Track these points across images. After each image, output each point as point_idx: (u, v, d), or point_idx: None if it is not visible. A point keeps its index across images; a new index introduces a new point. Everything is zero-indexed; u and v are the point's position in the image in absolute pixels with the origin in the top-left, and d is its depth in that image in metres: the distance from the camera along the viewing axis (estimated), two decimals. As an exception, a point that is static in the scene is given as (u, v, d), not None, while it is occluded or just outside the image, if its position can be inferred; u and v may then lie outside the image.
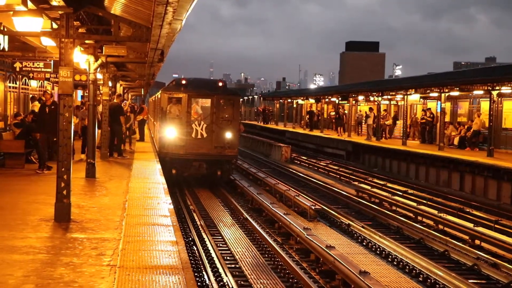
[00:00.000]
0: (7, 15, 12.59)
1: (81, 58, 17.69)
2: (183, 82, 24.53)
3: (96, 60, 17.61)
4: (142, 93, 68.10)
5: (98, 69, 18.99)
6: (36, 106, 25.01)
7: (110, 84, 24.79)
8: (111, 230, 10.47)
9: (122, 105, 26.20)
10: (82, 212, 11.89)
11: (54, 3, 11.04)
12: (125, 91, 48.34)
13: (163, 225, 10.91)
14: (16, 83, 24.59)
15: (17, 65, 19.83)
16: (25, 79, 25.62)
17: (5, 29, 13.27)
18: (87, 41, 16.49)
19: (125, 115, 26.38)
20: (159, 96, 27.46)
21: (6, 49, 12.27)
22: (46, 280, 7.51)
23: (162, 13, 10.04)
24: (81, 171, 17.07)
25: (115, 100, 25.17)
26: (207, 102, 24.91)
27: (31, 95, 27.23)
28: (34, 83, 27.82)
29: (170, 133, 23.68)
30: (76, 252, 8.92)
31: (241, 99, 28.10)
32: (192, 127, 23.64)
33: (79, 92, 35.86)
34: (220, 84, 25.08)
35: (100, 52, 18.02)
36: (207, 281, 12.26)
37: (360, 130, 45.26)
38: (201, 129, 23.60)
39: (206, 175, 24.70)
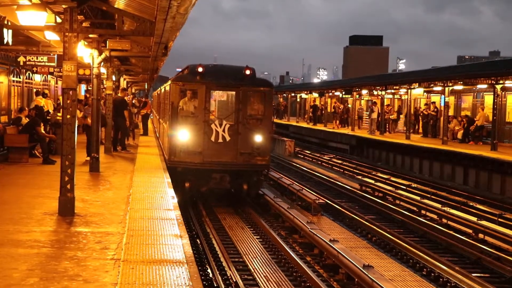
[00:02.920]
0: (11, 9, 12.60)
1: (85, 52, 17.70)
2: (200, 69, 18.39)
3: (100, 54, 17.61)
4: (146, 87, 68.09)
5: (102, 63, 19.01)
6: (39, 100, 25.07)
7: (113, 78, 24.81)
8: (115, 224, 10.49)
9: (126, 98, 26.22)
10: (86, 206, 11.91)
11: (58, -3, 11.03)
12: (128, 85, 48.39)
13: (167, 219, 10.92)
14: (20, 77, 24.61)
15: (21, 59, 19.84)
16: (29, 73, 25.63)
17: (9, 23, 13.26)
18: (91, 35, 16.48)
19: (129, 110, 26.42)
20: (167, 89, 21.55)
21: (10, 43, 12.23)
22: (51, 274, 7.52)
23: (166, 7, 10.01)
24: (85, 165, 17.07)
25: (119, 94, 25.19)
26: (230, 96, 19.49)
27: (35, 89, 27.26)
28: (38, 77, 27.83)
29: (183, 136, 18.07)
30: (80, 246, 8.93)
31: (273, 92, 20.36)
32: (211, 128, 18.04)
33: (83, 87, 35.88)
34: (248, 72, 18.68)
35: (103, 46, 18.04)
36: (211, 275, 12.26)
37: (360, 124, 45.48)
38: (223, 131, 18.12)
39: (229, 189, 19.54)
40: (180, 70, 25.16)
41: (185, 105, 18.73)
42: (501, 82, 27.51)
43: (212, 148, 18.13)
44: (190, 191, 18.52)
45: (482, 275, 13.11)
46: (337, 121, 46.78)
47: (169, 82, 20.46)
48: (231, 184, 18.89)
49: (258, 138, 18.44)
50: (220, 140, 18.11)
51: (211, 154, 18.13)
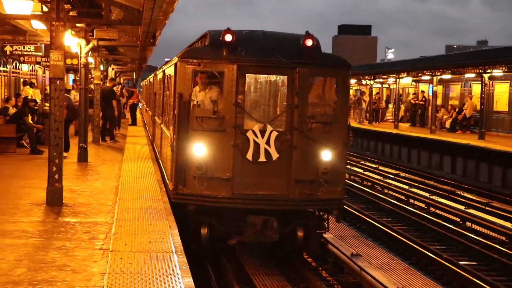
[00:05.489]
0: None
1: (72, 41, 17.60)
2: (228, 37, 10.71)
3: (88, 43, 17.52)
4: (134, 77, 67.89)
5: (90, 52, 18.89)
6: (27, 90, 24.94)
7: (101, 68, 24.70)
8: (103, 214, 10.46)
9: (114, 89, 26.13)
10: (74, 196, 11.87)
11: (44, -15, 10.96)
12: (117, 75, 48.21)
13: (156, 209, 10.90)
14: (6, 67, 24.46)
15: (8, 48, 19.71)
16: (16, 63, 25.46)
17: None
18: (78, 25, 16.38)
19: (118, 100, 26.32)
20: (169, 72, 13.58)
21: (-4, 32, 12.16)
22: (39, 264, 7.49)
23: (153, -4, 9.98)
24: (73, 155, 17.00)
25: (107, 84, 25.08)
26: (279, 83, 12.05)
27: (22, 79, 27.11)
28: (25, 67, 27.68)
29: (199, 151, 10.70)
30: (68, 236, 8.90)
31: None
32: (247, 139, 10.70)
33: (71, 76, 35.73)
34: (309, 42, 10.95)
35: (91, 36, 17.95)
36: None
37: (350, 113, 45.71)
38: (268, 144, 10.74)
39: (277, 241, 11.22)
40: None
41: (200, 98, 11.43)
42: (488, 71, 27.68)
43: (249, 172, 10.73)
44: (209, 241, 10.94)
45: (469, 263, 13.21)
46: None
47: (175, 60, 11.91)
48: (280, 233, 11.05)
49: (327, 155, 10.88)
50: (262, 159, 10.63)
51: (247, 183, 10.72)
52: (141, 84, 57.30)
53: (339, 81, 11.26)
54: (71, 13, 15.40)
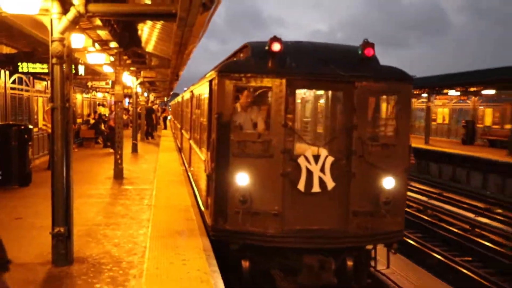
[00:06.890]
0: (83, 53, 12.46)
1: (128, 78, 17.54)
2: (276, 47, 5.16)
3: (137, 80, 17.50)
4: (165, 99, 67.42)
5: (138, 85, 18.86)
6: (100, 109, 24.76)
7: (145, 94, 24.59)
8: (148, 183, 10.53)
9: (153, 107, 26.01)
10: (130, 173, 11.90)
11: (111, 45, 11.02)
12: (154, 98, 47.88)
13: (179, 181, 10.92)
14: (88, 95, 24.29)
15: (89, 83, 19.57)
16: (94, 92, 25.28)
17: (82, 62, 13.12)
18: (131, 68, 16.30)
19: (155, 114, 26.27)
20: (201, 90, 7.56)
21: (83, 74, 12.15)
22: (110, 214, 7.61)
23: (177, 51, 10.03)
24: (128, 148, 16.96)
25: (149, 104, 24.98)
26: (332, 99, 6.13)
27: (98, 102, 26.96)
28: (99, 95, 27.48)
29: (242, 181, 5.36)
30: (127, 197, 9.00)
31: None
32: (298, 166, 5.37)
33: (127, 100, 35.48)
34: (370, 52, 5.34)
35: (139, 75, 17.90)
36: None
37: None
38: (322, 171, 5.36)
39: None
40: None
41: (243, 119, 6.17)
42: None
43: (301, 205, 5.57)
44: (250, 273, 5.66)
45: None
46: None
47: (211, 75, 6.11)
48: (336, 272, 5.71)
49: (389, 182, 5.76)
50: (316, 189, 5.53)
51: (298, 217, 5.58)
52: (170, 104, 56.87)
53: (401, 97, 5.93)
54: (127, 62, 15.36)
